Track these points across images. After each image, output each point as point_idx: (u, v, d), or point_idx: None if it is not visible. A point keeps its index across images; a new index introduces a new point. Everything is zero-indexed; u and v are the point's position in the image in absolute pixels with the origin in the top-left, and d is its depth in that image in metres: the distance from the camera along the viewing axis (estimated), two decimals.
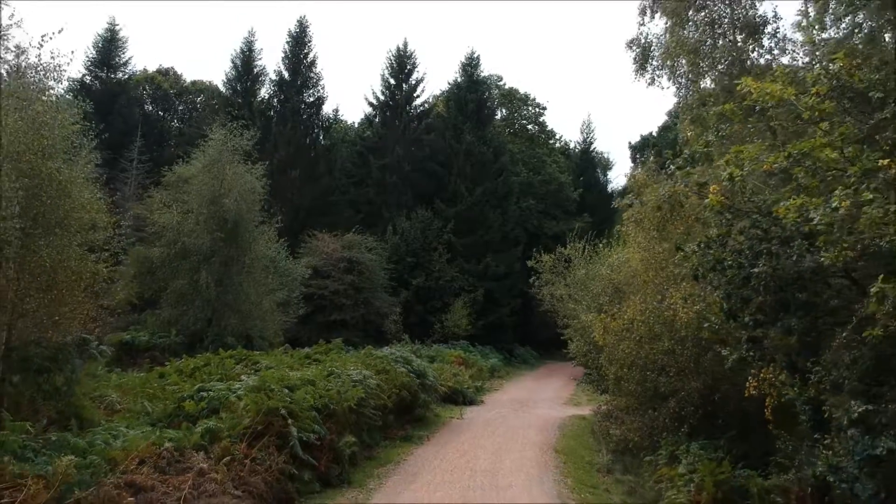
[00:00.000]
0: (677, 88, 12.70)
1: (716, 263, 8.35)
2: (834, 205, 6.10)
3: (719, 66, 11.52)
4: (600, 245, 21.01)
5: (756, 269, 7.67)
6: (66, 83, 42.33)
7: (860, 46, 8.64)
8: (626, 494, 13.83)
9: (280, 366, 16.49)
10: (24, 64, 13.69)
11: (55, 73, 13.93)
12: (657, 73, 12.77)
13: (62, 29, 13.54)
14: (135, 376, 18.90)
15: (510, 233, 45.86)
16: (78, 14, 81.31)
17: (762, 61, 11.14)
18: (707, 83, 11.98)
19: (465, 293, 41.42)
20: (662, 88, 12.72)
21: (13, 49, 14.16)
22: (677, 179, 8.90)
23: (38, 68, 13.71)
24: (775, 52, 11.39)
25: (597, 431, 18.30)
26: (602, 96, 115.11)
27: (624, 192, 14.71)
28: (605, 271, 17.78)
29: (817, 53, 8.70)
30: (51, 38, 13.36)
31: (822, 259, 6.46)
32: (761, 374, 9.74)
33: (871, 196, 5.88)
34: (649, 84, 12.88)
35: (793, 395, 8.35)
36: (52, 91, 14.20)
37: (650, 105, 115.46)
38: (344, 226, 38.95)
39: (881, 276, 5.78)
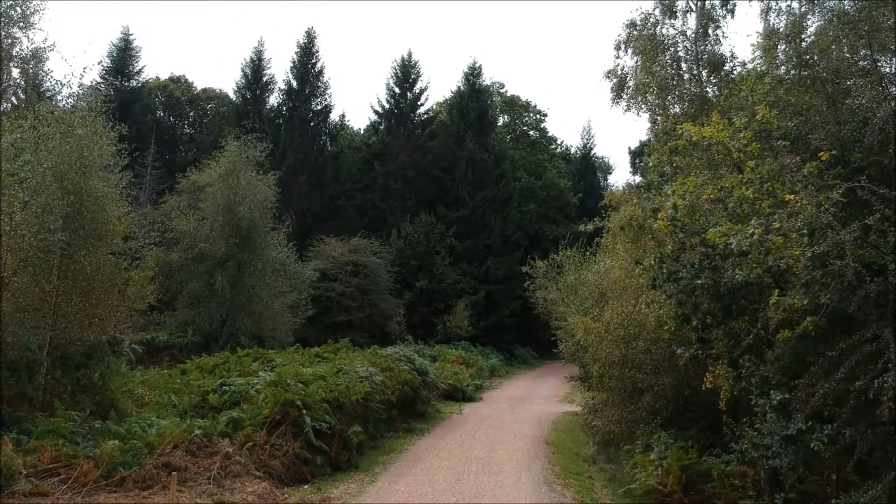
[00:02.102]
0: (650, 116, 14.12)
1: (669, 275, 9.82)
2: (749, 231, 7.55)
3: (686, 100, 12.94)
4: (588, 253, 22.45)
5: (699, 281, 9.15)
6: (78, 89, 44.21)
7: (790, 92, 10.09)
8: (607, 481, 15.30)
9: (293, 363, 18.00)
10: (67, 92, 15.26)
11: (94, 101, 15.47)
12: (631, 101, 14.16)
13: (101, 61, 15.12)
14: (157, 373, 20.44)
15: (511, 237, 47.30)
16: (90, 22, 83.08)
17: (723, 96, 12.51)
18: (676, 111, 13.38)
19: (466, 295, 42.90)
20: (638, 116, 14.13)
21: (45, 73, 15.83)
22: (638, 203, 10.33)
23: (79, 96, 15.27)
24: (729, 89, 12.73)
25: (584, 425, 19.77)
26: (602, 102, 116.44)
27: (603, 208, 16.08)
28: (592, 277, 19.23)
29: (751, 101, 10.11)
30: (91, 69, 14.95)
31: (738, 275, 7.94)
32: (715, 371, 11.20)
33: (778, 225, 7.32)
34: (625, 111, 14.26)
35: (727, 388, 9.80)
36: (90, 115, 15.73)
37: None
38: (350, 230, 40.43)
39: (776, 290, 7.24)
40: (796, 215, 7.35)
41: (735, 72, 12.85)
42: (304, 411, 13.62)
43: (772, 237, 7.26)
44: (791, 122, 8.98)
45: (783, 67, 10.83)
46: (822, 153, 7.75)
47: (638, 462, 14.11)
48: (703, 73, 13.33)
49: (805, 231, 7.22)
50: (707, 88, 13.09)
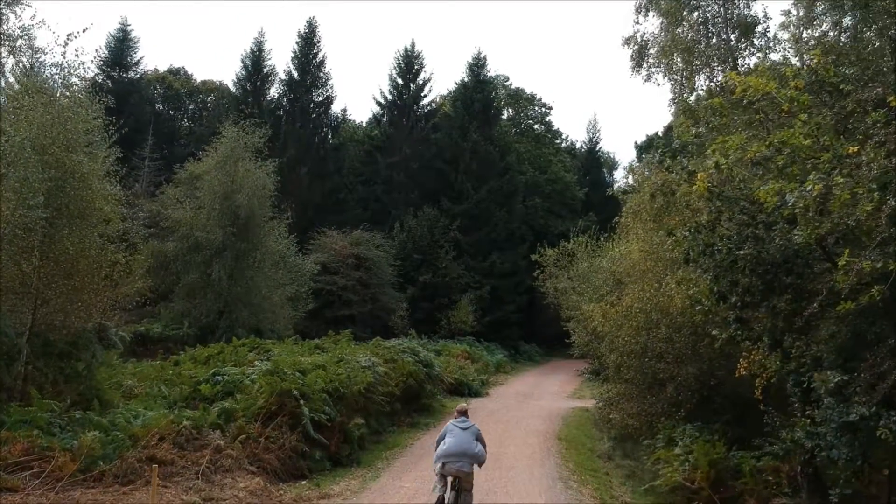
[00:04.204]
0: (672, 85, 13.18)
1: (705, 248, 8.85)
2: (808, 188, 6.60)
3: (713, 64, 12.00)
4: (602, 239, 21.52)
5: (742, 252, 8.17)
6: (81, 83, 43.33)
7: (843, 41, 9.11)
8: (626, 478, 14.35)
9: (291, 353, 17.06)
10: (48, 62, 14.30)
11: (79, 70, 14.52)
12: (653, 70, 13.22)
13: (87, 28, 14.14)
14: (150, 365, 19.53)
15: (516, 231, 46.35)
16: (89, 14, 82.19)
17: (753, 60, 11.60)
18: (701, 80, 12.45)
19: (470, 290, 41.92)
20: (658, 85, 13.19)
21: (31, 49, 14.85)
22: (672, 169, 9.36)
23: (63, 65, 14.32)
24: (766, 50, 11.82)
25: (598, 420, 18.80)
26: (608, 96, 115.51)
27: (624, 191, 15.16)
28: (607, 264, 18.26)
29: (801, 50, 9.16)
30: (76, 37, 13.96)
31: (798, 237, 6.97)
32: (751, 356, 10.23)
33: (841, 180, 6.37)
34: (645, 81, 13.35)
35: (775, 369, 8.82)
36: (75, 87, 14.78)
37: (655, 106, 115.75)
38: (352, 223, 39.50)
39: (846, 250, 6.28)
40: (862, 168, 6.38)
41: (770, 33, 11.87)
42: (302, 402, 12.69)
43: (837, 192, 6.29)
44: (850, 69, 8.02)
45: (827, 18, 9.83)
46: (890, 98, 6.78)
47: (661, 457, 13.14)
48: (732, 37, 12.35)
49: (875, 186, 6.26)
50: (736, 53, 12.10)
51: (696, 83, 12.16)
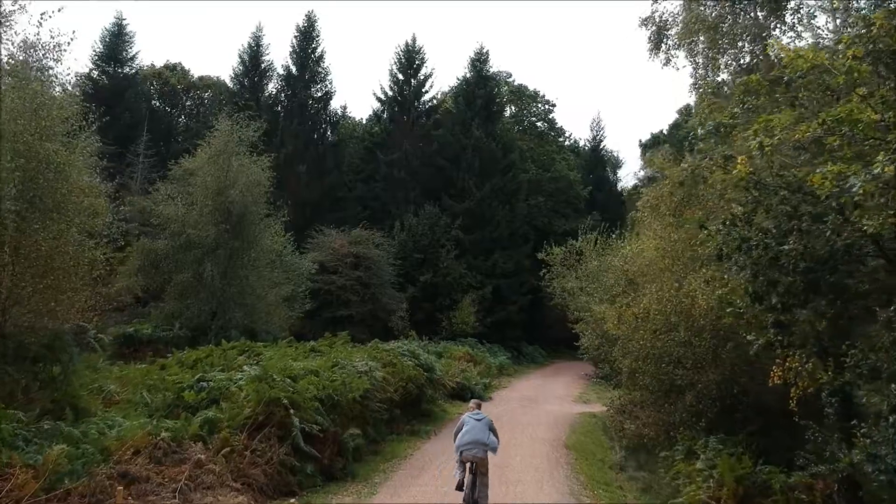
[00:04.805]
0: (694, 68, 12.17)
1: (741, 243, 7.85)
2: (876, 171, 5.62)
3: (740, 43, 11.00)
4: (613, 237, 20.45)
5: (786, 248, 7.16)
6: (73, 77, 42.29)
7: None
8: (641, 492, 13.34)
9: (283, 357, 16.06)
10: (23, 42, 13.30)
11: (55, 53, 13.53)
12: (672, 52, 12.22)
13: (62, 8, 13.14)
14: (136, 368, 18.55)
15: (519, 230, 45.29)
16: (86, 10, 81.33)
17: (785, 38, 10.59)
18: (727, 60, 11.43)
19: (472, 290, 40.84)
20: (678, 69, 12.21)
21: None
22: (704, 155, 8.33)
23: (38, 47, 13.34)
24: (798, 28, 10.81)
25: (609, 428, 17.78)
26: (611, 95, 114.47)
27: (635, 187, 14.18)
28: (619, 262, 17.22)
29: (849, 20, 8.16)
30: (50, 17, 12.97)
31: (866, 227, 5.95)
32: (787, 363, 9.23)
33: None
34: (664, 64, 12.36)
35: (826, 381, 7.81)
36: (52, 71, 13.81)
37: (660, 103, 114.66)
38: (351, 222, 38.47)
39: None
40: None
41: (803, 9, 10.84)
42: (292, 411, 11.68)
43: None
44: None
45: None
46: None
47: (681, 471, 12.17)
48: (761, 15, 11.31)
49: None
50: (765, 31, 11.06)
51: (722, 63, 11.14)
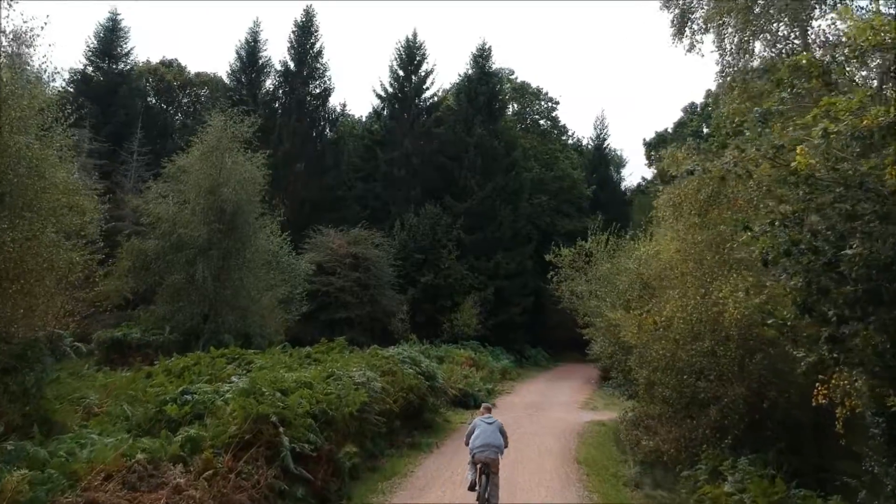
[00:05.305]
0: (721, 55, 11.18)
1: (791, 246, 6.86)
2: None
3: (775, 25, 10.01)
4: (626, 237, 19.40)
5: (850, 252, 6.17)
6: (67, 74, 41.23)
7: None
8: None
9: (276, 366, 15.02)
10: None
11: (27, 38, 12.53)
12: (697, 37, 11.21)
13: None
14: (121, 376, 17.57)
15: (522, 230, 44.27)
16: (82, 7, 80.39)
17: (825, 22, 9.58)
18: (759, 47, 10.45)
19: (474, 291, 39.84)
20: (702, 56, 11.22)
21: None
22: (755, 144, 7.29)
23: (7, 32, 12.34)
24: (839, 7, 9.79)
25: (622, 440, 16.74)
26: (615, 94, 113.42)
27: (642, 187, 13.16)
28: (633, 265, 16.19)
29: None
30: None
31: None
32: (832, 381, 8.23)
33: None
34: (688, 50, 11.34)
35: (866, 403, 6.83)
36: (24, 58, 12.82)
37: (662, 102, 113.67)
38: (350, 221, 37.45)
39: None
40: None
41: None
42: (282, 429, 10.66)
43: None
44: None
45: None
46: None
47: (707, 494, 11.15)
48: None
49: None
50: (804, 14, 10.04)
51: (758, 47, 10.14)
